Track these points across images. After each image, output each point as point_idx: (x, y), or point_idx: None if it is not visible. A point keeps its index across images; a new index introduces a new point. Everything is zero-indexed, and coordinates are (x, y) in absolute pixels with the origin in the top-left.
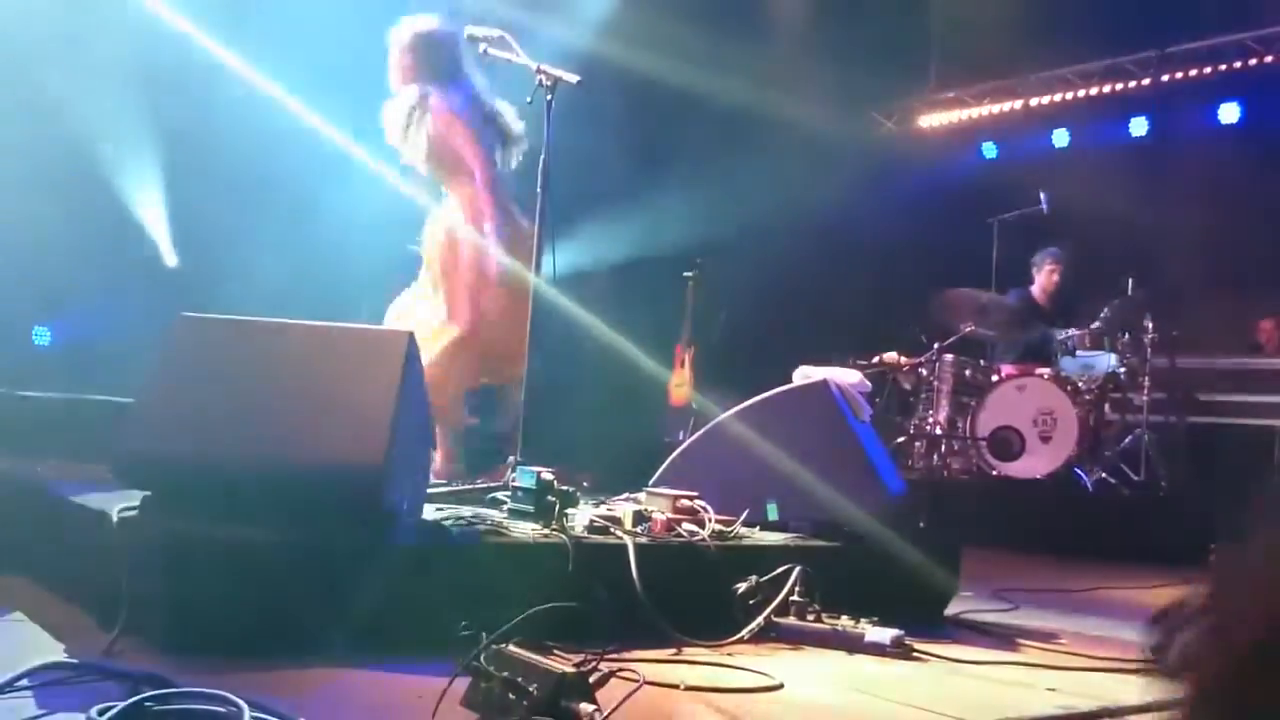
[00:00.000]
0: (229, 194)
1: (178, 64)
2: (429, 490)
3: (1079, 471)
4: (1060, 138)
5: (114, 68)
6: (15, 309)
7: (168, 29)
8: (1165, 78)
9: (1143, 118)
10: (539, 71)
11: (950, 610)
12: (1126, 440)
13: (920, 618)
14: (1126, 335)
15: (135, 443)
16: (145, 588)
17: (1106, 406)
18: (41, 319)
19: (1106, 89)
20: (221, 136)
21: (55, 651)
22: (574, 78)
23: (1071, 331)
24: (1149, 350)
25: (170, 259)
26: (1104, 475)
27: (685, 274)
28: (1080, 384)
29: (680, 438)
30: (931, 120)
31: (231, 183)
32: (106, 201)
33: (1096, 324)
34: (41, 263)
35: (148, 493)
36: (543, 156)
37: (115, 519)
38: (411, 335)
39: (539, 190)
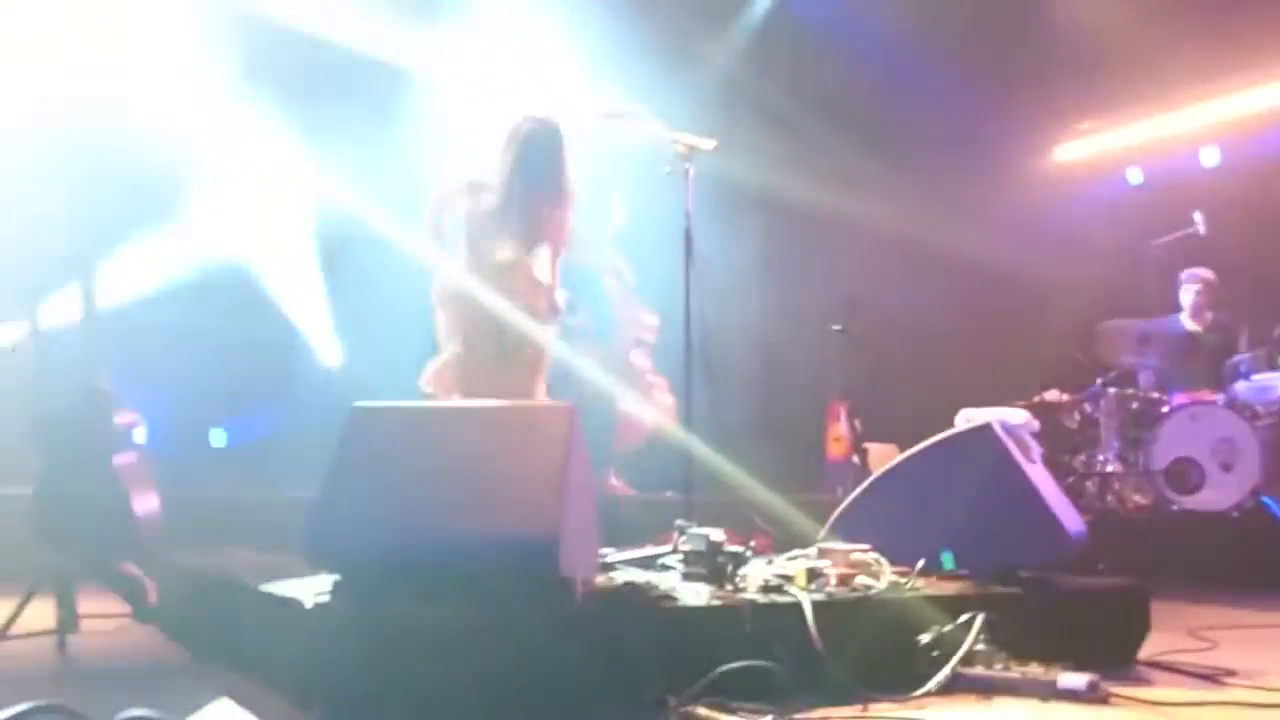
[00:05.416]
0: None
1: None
2: (600, 560)
3: (1267, 500)
4: (1209, 156)
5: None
6: (194, 413)
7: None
8: None
9: None
10: (676, 141)
11: (1144, 653)
12: None
13: (1112, 661)
14: None
15: (324, 529)
16: (339, 671)
17: None
18: (217, 421)
19: (1257, 102)
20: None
21: None
22: (710, 143)
23: (1244, 355)
24: None
25: (333, 358)
26: None
27: (834, 326)
28: (1259, 408)
29: (840, 493)
30: (1071, 152)
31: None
32: (271, 307)
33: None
34: (215, 369)
35: (338, 578)
36: (686, 226)
37: (309, 605)
38: (574, 408)
39: (684, 257)
